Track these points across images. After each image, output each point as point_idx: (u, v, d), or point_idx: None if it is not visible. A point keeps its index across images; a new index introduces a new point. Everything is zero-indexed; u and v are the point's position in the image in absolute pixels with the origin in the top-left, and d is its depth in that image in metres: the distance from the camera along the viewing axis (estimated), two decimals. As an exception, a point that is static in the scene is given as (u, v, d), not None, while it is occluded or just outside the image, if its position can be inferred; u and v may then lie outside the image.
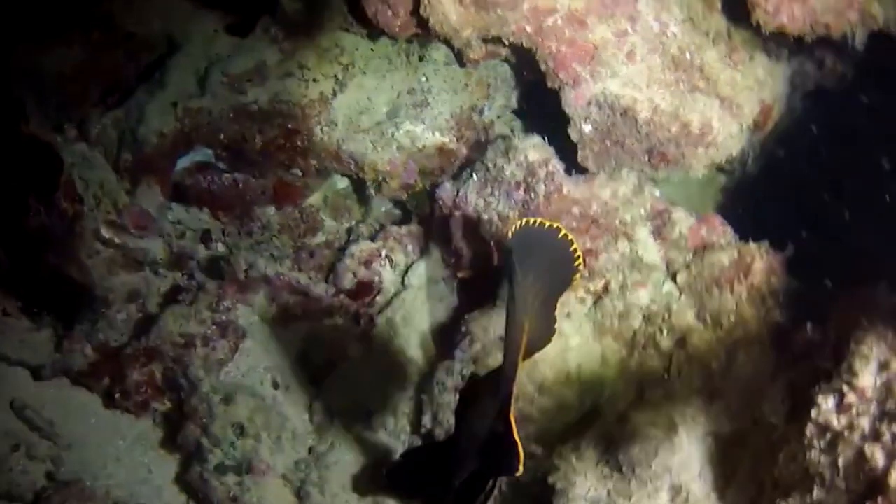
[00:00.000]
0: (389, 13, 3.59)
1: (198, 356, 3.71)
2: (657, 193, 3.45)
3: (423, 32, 3.63)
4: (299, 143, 4.03)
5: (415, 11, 3.53)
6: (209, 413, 3.61)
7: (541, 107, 3.99)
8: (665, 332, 3.25)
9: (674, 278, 3.33)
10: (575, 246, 2.34)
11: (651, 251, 3.40)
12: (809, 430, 2.53)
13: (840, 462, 2.43)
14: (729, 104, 3.42)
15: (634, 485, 2.91)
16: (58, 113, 4.15)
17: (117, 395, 3.74)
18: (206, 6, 4.24)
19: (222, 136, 4.02)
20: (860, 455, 2.39)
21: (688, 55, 3.42)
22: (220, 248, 4.11)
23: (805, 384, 2.71)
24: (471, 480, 2.32)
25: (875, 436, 2.38)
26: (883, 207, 3.32)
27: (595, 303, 3.43)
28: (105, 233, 3.87)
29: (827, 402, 2.53)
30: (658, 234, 3.41)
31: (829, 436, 2.49)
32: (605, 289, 3.41)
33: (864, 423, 2.43)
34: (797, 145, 3.69)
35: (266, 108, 4.00)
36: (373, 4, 3.60)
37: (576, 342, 3.37)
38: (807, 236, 3.29)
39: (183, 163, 4.09)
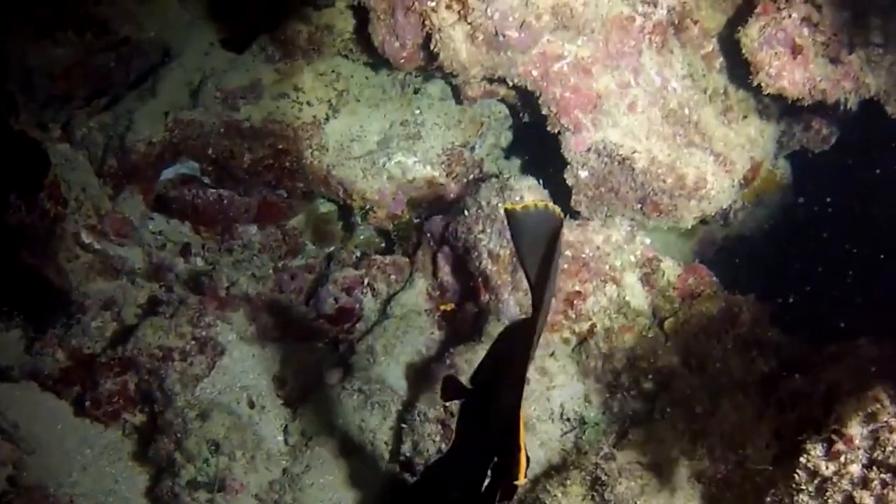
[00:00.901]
0: (396, 44, 3.79)
1: (175, 370, 3.81)
2: (647, 241, 3.68)
3: (428, 67, 3.83)
4: (288, 164, 4.20)
5: (423, 45, 3.74)
6: (184, 428, 3.70)
7: (531, 150, 4.25)
8: (649, 375, 3.48)
9: (661, 324, 3.57)
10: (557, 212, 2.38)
11: (638, 297, 3.63)
12: (798, 475, 2.75)
13: (829, 505, 2.66)
14: (723, 160, 3.69)
15: (619, 521, 3.12)
16: (42, 111, 4.26)
17: (88, 403, 3.82)
18: (203, 18, 4.40)
19: (210, 150, 4.17)
20: (850, 500, 2.62)
21: (686, 110, 3.68)
22: (200, 262, 4.24)
23: (792, 431, 2.95)
24: (477, 487, 2.34)
25: (864, 483, 2.62)
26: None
27: (580, 344, 3.64)
28: (85, 237, 3.98)
29: (816, 449, 2.76)
30: (646, 281, 3.64)
31: (817, 481, 2.72)
32: (591, 331, 3.63)
33: (853, 470, 2.66)
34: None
35: (258, 126, 4.17)
36: (380, 34, 3.80)
37: (560, 380, 3.58)
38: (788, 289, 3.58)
39: (168, 174, 4.22)
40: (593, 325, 3.62)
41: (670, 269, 3.63)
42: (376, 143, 4.22)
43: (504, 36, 3.53)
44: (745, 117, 3.76)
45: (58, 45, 4.30)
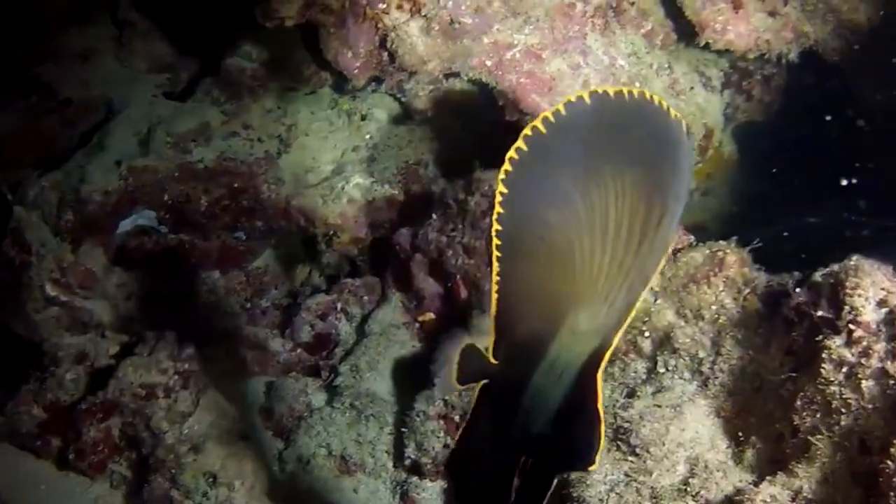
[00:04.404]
0: (350, 55, 3.84)
1: (160, 407, 3.68)
2: (621, 210, 3.73)
3: (384, 72, 3.89)
4: (245, 202, 4.18)
5: (376, 51, 3.80)
6: (178, 463, 3.56)
7: (483, 157, 4.31)
8: (646, 334, 3.48)
9: (647, 285, 3.60)
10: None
11: (620, 264, 3.66)
12: (825, 368, 2.77)
13: (863, 386, 2.67)
14: (680, 125, 3.80)
15: (651, 463, 3.05)
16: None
17: (71, 456, 3.64)
18: (144, 72, 4.41)
19: (167, 196, 4.13)
20: (882, 373, 2.65)
21: (637, 84, 3.81)
22: (167, 312, 4.13)
23: (804, 342, 2.98)
24: (533, 474, 1.82)
25: (893, 355, 2.65)
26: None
27: (569, 320, 3.64)
28: (50, 290, 3.85)
29: (836, 342, 2.79)
30: (626, 247, 3.68)
31: (845, 368, 2.74)
32: (578, 309, 3.64)
33: (879, 348, 2.69)
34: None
35: (212, 166, 4.16)
36: (333, 48, 3.85)
37: (557, 355, 3.56)
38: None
39: (125, 226, 4.15)
40: (580, 303, 3.62)
41: (647, 233, 3.68)
42: (331, 171, 4.24)
43: (459, 23, 3.62)
44: (691, 88, 3.91)
45: (1, 111, 4.25)
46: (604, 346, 1.73)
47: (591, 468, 1.73)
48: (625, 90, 1.61)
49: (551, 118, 1.62)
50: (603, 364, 1.73)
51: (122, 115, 4.31)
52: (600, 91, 1.61)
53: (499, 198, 1.64)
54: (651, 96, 1.62)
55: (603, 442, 1.74)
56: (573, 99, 1.62)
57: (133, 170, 4.11)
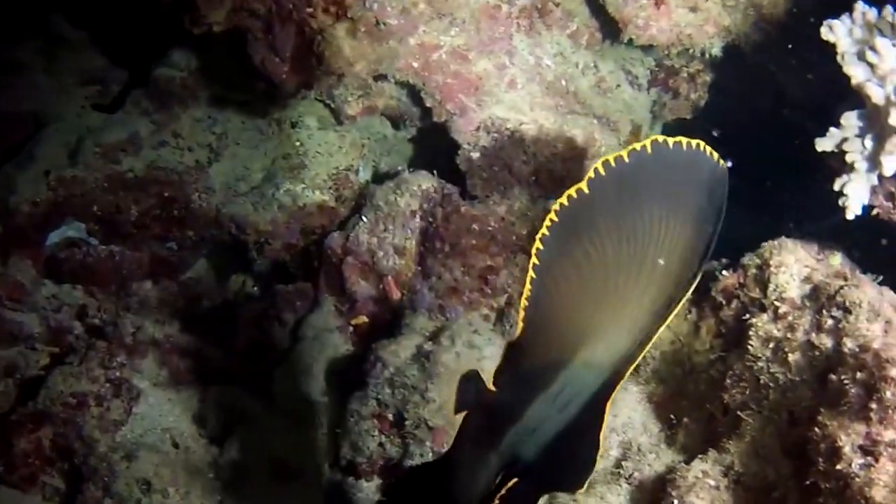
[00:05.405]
0: (277, 60, 3.78)
1: (92, 415, 3.56)
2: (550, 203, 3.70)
3: (311, 77, 3.83)
4: (175, 212, 4.10)
5: (304, 55, 3.74)
6: (110, 471, 3.45)
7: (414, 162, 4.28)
8: (578, 326, 3.44)
9: (578, 279, 3.56)
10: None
11: (551, 260, 3.62)
12: (752, 346, 2.74)
13: (790, 359, 2.65)
14: (606, 121, 3.80)
15: (585, 449, 3.02)
16: None
17: (1, 469, 3.51)
18: (73, 84, 4.32)
19: (96, 207, 4.04)
20: (808, 346, 2.62)
21: (563, 82, 3.80)
22: (98, 323, 4.03)
23: (733, 323, 2.96)
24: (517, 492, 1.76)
25: (818, 327, 2.63)
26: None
27: (499, 318, 3.59)
28: (-23, 303, 3.75)
29: (763, 318, 2.77)
30: (556, 243, 3.64)
31: (772, 344, 2.72)
32: (509, 303, 3.59)
33: (804, 322, 2.67)
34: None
35: (142, 175, 4.08)
36: (260, 53, 3.78)
37: (488, 352, 3.50)
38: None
39: (54, 237, 4.05)
40: (510, 297, 3.58)
41: (577, 227, 3.65)
42: (261, 179, 4.18)
43: (385, 25, 3.58)
44: (617, 86, 3.91)
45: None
46: (617, 375, 1.75)
47: (578, 491, 1.82)
48: (683, 141, 1.70)
49: (613, 164, 1.69)
50: (614, 393, 1.75)
51: (51, 127, 4.21)
52: (661, 141, 1.69)
53: (548, 222, 1.70)
54: (704, 147, 1.71)
55: (595, 464, 1.74)
56: (637, 148, 1.70)
57: (61, 180, 4.01)
